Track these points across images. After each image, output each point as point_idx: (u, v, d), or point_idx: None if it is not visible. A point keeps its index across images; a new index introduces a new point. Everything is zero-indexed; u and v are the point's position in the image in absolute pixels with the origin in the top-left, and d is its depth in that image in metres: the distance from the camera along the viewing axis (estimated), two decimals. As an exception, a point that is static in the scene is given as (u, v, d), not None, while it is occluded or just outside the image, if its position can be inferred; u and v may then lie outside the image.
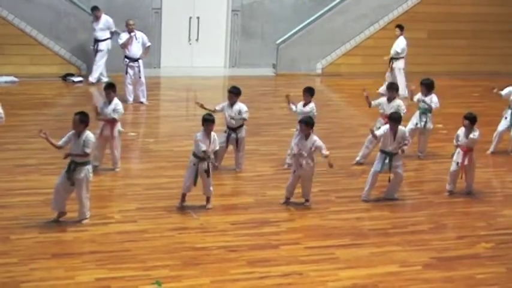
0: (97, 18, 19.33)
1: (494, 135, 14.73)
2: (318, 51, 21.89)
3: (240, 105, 12.93)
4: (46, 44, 19.97)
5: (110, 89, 12.68)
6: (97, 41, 19.38)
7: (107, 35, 19.43)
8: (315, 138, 11.43)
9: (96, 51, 19.40)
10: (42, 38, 19.90)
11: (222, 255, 9.72)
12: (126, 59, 17.96)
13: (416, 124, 14.08)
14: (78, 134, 10.32)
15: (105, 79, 19.11)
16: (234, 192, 12.18)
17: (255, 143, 14.58)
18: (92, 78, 19.41)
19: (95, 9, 19.42)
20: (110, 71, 19.58)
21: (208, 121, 11.17)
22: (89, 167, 10.46)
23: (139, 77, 17.91)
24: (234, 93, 12.98)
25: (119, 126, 12.68)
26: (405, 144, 11.76)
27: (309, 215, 11.30)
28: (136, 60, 17.97)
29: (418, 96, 14.19)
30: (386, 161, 11.68)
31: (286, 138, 14.67)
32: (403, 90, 19.18)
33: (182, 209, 11.18)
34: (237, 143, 12.93)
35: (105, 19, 19.41)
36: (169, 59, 21.50)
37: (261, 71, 22.00)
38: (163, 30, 21.31)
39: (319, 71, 22.11)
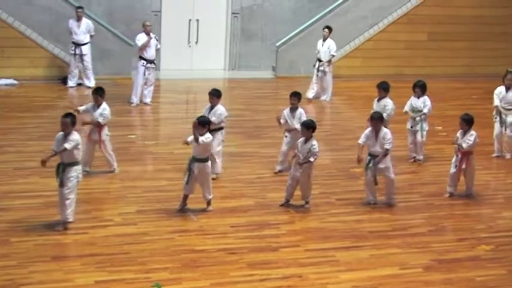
0: (79, 19, 19.25)
1: (494, 138, 14.72)
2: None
3: (220, 108, 12.68)
4: (46, 46, 19.98)
5: (98, 93, 12.65)
6: (78, 45, 19.30)
7: (88, 38, 19.40)
8: (313, 142, 11.40)
9: (80, 55, 19.29)
10: (42, 40, 19.91)
11: (222, 258, 9.72)
12: (142, 61, 17.93)
13: (412, 126, 14.05)
14: (66, 135, 10.28)
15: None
16: (233, 195, 12.17)
17: (254, 145, 14.57)
18: (90, 83, 19.40)
19: (80, 8, 19.38)
20: (115, 73, 19.64)
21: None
22: (78, 168, 10.33)
23: (154, 78, 18.05)
24: (216, 96, 12.83)
25: (106, 130, 12.64)
26: (387, 144, 11.55)
27: (309, 217, 11.30)
28: (152, 61, 18.00)
29: (412, 100, 14.07)
30: (370, 164, 11.62)
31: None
32: (329, 94, 19.21)
33: (182, 211, 11.18)
34: None
35: (86, 22, 19.38)
36: (169, 61, 21.51)
37: (261, 73, 22.02)
38: (162, 33, 21.33)
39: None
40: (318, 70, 19.13)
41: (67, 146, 10.15)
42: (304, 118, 12.73)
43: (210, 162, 11.28)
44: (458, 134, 12.27)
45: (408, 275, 9.51)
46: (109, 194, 12.00)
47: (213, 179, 11.74)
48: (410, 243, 10.49)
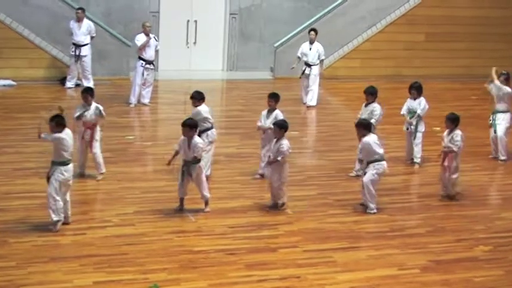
0: (79, 20, 19.22)
1: (490, 140, 14.71)
2: (316, 55, 21.92)
3: (197, 109, 12.74)
4: (44, 47, 19.98)
5: (88, 93, 12.61)
6: (78, 46, 19.25)
7: (88, 40, 19.38)
8: (282, 142, 11.31)
9: (78, 56, 19.25)
10: (40, 41, 19.91)
11: (220, 259, 9.72)
12: (141, 61, 17.94)
13: (407, 129, 14.01)
14: None
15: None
16: (231, 196, 12.17)
17: (252, 146, 14.56)
18: (89, 84, 19.27)
19: (80, 9, 19.35)
20: (113, 74, 19.63)
21: (182, 126, 11.13)
22: (62, 168, 10.22)
23: (152, 78, 18.05)
24: (197, 99, 12.81)
25: (98, 129, 12.56)
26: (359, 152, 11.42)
27: (306, 218, 11.30)
28: (151, 62, 18.01)
29: (408, 102, 14.02)
30: (366, 169, 11.57)
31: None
32: (315, 98, 18.63)
33: (180, 212, 11.19)
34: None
35: (87, 23, 19.36)
36: (168, 62, 21.52)
37: (259, 74, 22.02)
38: (161, 34, 21.31)
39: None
40: (309, 75, 18.59)
41: (42, 135, 10.27)
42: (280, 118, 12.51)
43: (202, 162, 11.27)
44: (445, 133, 12.24)
45: (406, 276, 9.52)
46: (107, 195, 11.99)
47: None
48: (408, 244, 10.49)
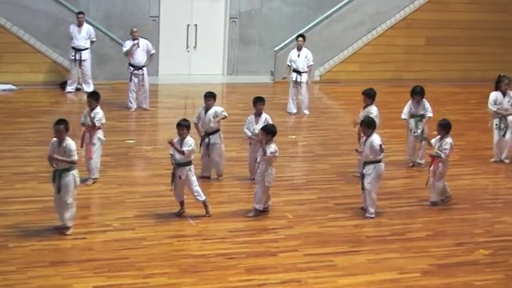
0: (79, 24, 19.21)
1: (494, 145, 14.66)
2: (316, 59, 21.85)
3: (215, 108, 12.85)
4: (44, 51, 19.98)
5: (92, 97, 12.61)
6: (78, 50, 19.23)
7: (88, 44, 19.38)
8: (269, 146, 11.25)
9: (78, 60, 19.23)
10: (40, 45, 19.92)
11: (220, 263, 9.72)
12: (130, 67, 17.94)
13: (413, 132, 13.97)
14: (60, 141, 10.26)
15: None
16: (231, 200, 12.17)
17: (253, 150, 14.54)
18: (89, 89, 19.25)
19: (80, 13, 19.35)
20: (113, 78, 19.64)
21: (178, 126, 11.17)
22: (74, 172, 10.29)
23: (143, 85, 17.94)
24: (214, 98, 12.89)
25: (98, 134, 12.55)
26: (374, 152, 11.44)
27: (307, 222, 11.29)
28: (140, 68, 17.97)
29: (410, 109, 14.01)
30: (364, 170, 11.55)
31: (282, 145, 14.66)
32: (307, 106, 18.22)
33: (181, 216, 11.19)
34: (208, 148, 12.85)
35: (87, 28, 19.35)
36: (168, 66, 21.53)
37: (259, 78, 22.00)
38: (161, 38, 21.35)
39: (317, 79, 22.10)
40: (296, 82, 18.10)
41: (75, 159, 10.19)
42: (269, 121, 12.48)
43: (192, 165, 11.21)
44: (436, 139, 12.16)
45: (406, 280, 9.51)
46: (107, 199, 11.99)
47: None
48: (409, 247, 10.49)
